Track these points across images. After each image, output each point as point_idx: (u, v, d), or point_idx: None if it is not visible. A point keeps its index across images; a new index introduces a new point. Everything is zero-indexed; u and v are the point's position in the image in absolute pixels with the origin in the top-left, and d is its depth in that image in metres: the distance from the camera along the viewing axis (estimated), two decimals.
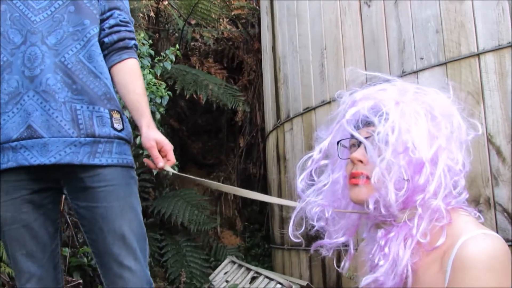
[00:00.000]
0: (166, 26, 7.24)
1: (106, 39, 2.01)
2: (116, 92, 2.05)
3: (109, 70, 2.04)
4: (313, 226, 1.42)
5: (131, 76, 2.03)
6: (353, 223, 1.41)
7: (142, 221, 2.00)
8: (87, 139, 1.84)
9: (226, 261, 5.60)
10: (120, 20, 2.04)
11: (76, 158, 1.82)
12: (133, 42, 2.07)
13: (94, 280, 4.14)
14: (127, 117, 2.17)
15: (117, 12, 2.04)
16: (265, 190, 6.15)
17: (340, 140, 1.38)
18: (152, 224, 5.89)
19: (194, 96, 6.29)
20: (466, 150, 1.30)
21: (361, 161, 1.28)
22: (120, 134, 1.95)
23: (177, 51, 4.94)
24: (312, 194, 1.42)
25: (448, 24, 3.14)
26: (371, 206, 1.25)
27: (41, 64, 1.83)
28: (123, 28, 2.05)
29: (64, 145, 1.81)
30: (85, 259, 4.07)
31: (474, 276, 1.10)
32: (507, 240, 2.82)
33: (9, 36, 1.88)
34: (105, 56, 2.04)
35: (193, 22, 7.21)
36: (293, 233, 1.41)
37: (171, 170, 1.98)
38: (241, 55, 7.36)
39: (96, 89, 1.90)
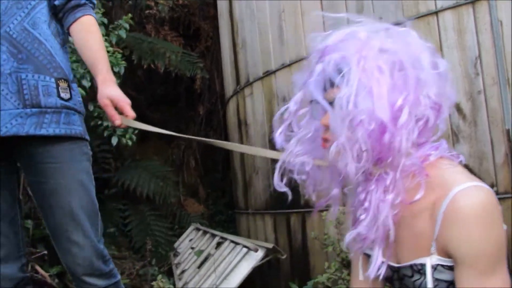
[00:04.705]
0: None
1: (56, 2, 1.96)
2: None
3: (68, 32, 2.00)
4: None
5: (86, 33, 1.96)
6: (338, 173, 1.35)
7: (93, 197, 2.00)
8: (33, 109, 1.82)
9: (190, 228, 5.61)
10: None
11: (22, 129, 1.80)
12: None
13: None
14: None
15: None
16: (227, 157, 6.16)
17: (312, 101, 1.34)
18: (114, 194, 5.84)
19: (152, 65, 6.19)
20: (444, 91, 1.27)
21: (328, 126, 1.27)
22: (67, 103, 1.91)
23: (130, 20, 4.83)
24: (293, 145, 1.38)
25: None
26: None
27: None
28: None
29: (10, 117, 1.79)
30: None
31: (466, 228, 1.13)
32: None
33: None
34: (61, 19, 1.99)
35: None
36: (278, 183, 1.38)
37: (133, 125, 1.84)
38: (197, 22, 7.25)
39: (41, 57, 1.87)
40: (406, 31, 1.30)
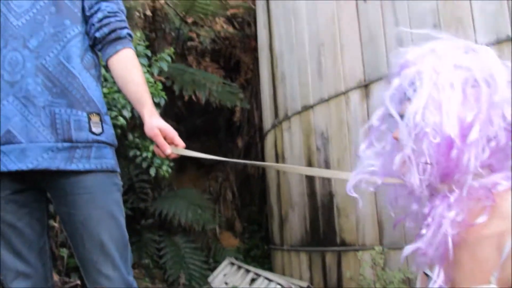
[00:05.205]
0: (163, 25, 7.17)
1: (97, 34, 1.96)
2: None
3: (106, 64, 2.00)
4: None
5: (127, 66, 1.98)
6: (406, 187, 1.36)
7: (123, 229, 1.98)
8: (64, 144, 1.83)
9: (225, 263, 5.55)
10: (108, 12, 1.98)
11: (53, 163, 1.80)
12: (125, 31, 2.01)
13: None
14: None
15: (104, 4, 1.98)
16: (264, 191, 6.10)
17: (389, 115, 1.35)
18: (151, 225, 5.84)
19: (193, 96, 6.24)
20: None
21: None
22: (98, 137, 1.91)
23: (172, 53, 4.89)
24: (368, 158, 1.40)
25: (445, 18, 3.09)
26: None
27: (22, 69, 1.81)
28: (112, 19, 1.98)
29: (42, 150, 1.79)
30: None
31: None
32: None
33: None
34: (99, 50, 2.01)
35: (189, 20, 7.15)
36: (350, 190, 1.39)
37: (184, 152, 1.88)
38: (238, 54, 7.31)
39: (75, 91, 1.87)
40: (484, 49, 1.28)
